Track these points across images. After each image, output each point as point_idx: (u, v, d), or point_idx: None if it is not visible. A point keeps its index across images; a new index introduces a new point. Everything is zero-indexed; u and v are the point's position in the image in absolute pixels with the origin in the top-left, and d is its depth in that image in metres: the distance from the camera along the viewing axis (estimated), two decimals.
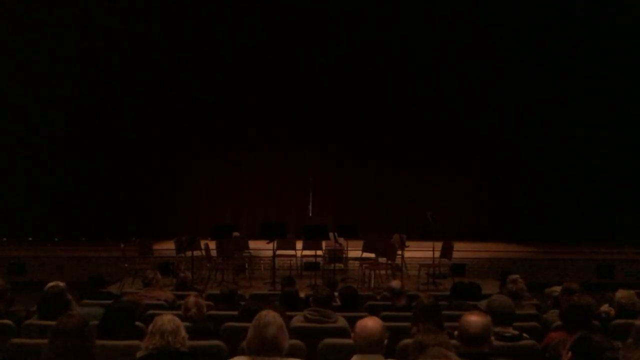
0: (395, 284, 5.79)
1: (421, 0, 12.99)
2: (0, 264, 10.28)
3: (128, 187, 13.01)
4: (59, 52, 12.66)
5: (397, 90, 13.12)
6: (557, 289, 5.52)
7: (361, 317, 3.44)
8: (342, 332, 4.32)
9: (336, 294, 5.68)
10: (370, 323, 3.22)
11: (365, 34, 12.99)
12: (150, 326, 3.30)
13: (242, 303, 5.35)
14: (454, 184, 13.10)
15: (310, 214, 12.34)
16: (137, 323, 4.22)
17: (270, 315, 3.00)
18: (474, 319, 3.14)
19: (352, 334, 3.23)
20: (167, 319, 3.29)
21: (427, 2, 12.96)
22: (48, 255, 10.97)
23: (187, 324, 4.04)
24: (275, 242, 9.46)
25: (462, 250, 10.44)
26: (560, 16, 12.70)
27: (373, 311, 5.04)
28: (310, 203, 12.41)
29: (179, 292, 6.25)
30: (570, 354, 2.87)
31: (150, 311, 4.85)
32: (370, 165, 13.35)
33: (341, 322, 4.50)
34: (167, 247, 10.73)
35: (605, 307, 5.04)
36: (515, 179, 13.02)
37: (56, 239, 12.20)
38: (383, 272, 9.65)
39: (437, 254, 9.67)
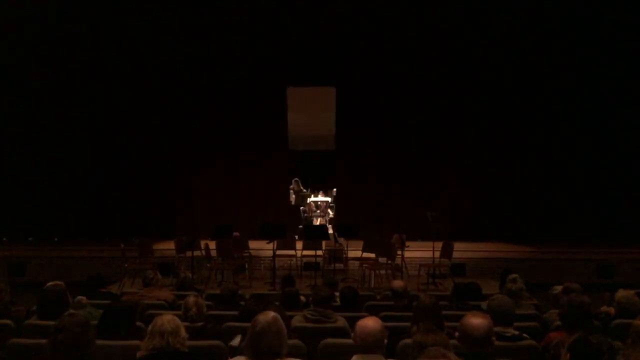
0: (398, 284, 5.64)
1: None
2: (0, 264, 10.30)
3: (128, 187, 13.03)
4: (59, 52, 12.66)
5: (397, 90, 13.12)
6: (559, 288, 5.52)
7: (361, 317, 3.44)
8: (342, 332, 4.32)
9: (336, 294, 5.67)
10: (370, 323, 3.21)
11: (365, 34, 12.99)
12: (150, 326, 3.31)
13: (242, 303, 5.34)
14: (454, 184, 13.09)
15: None
16: (137, 323, 4.22)
17: (266, 321, 2.98)
18: (478, 322, 3.10)
19: (352, 334, 3.22)
20: (167, 319, 3.29)
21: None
22: (48, 255, 10.97)
23: (187, 324, 4.04)
24: (275, 242, 9.46)
25: (462, 250, 10.43)
26: (557, 20, 12.71)
27: (373, 311, 5.03)
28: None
29: (179, 292, 6.25)
30: (568, 355, 2.87)
31: (150, 311, 4.84)
32: (370, 165, 13.34)
33: (341, 322, 4.49)
34: (167, 247, 10.74)
35: (605, 307, 5.04)
36: (515, 178, 13.01)
37: (56, 239, 12.20)
38: (383, 272, 9.66)
39: (437, 254, 9.67)
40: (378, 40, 13.03)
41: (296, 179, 13.72)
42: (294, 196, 14.43)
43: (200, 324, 4.31)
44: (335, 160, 13.85)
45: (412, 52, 13.02)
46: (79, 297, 4.89)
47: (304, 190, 14.06)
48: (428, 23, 12.88)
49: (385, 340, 3.22)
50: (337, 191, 13.82)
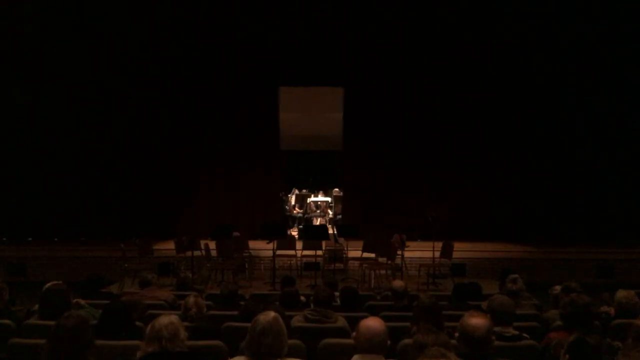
0: (398, 284, 5.63)
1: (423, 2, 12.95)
2: (0, 264, 10.30)
3: (128, 187, 13.03)
4: (58, 52, 12.65)
5: (397, 91, 13.12)
6: (559, 288, 5.52)
7: (361, 317, 3.43)
8: (342, 332, 4.31)
9: (337, 293, 5.66)
10: (374, 324, 3.18)
11: (367, 34, 12.98)
12: (148, 330, 3.25)
13: (242, 303, 5.34)
14: (454, 184, 13.09)
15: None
16: (137, 323, 4.21)
17: (267, 321, 2.98)
18: (478, 322, 3.09)
19: (355, 335, 3.20)
20: (165, 324, 3.21)
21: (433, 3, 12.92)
22: (48, 255, 10.96)
23: (187, 324, 4.03)
24: (275, 242, 9.46)
25: (462, 250, 10.44)
26: (557, 22, 12.70)
27: (373, 311, 5.03)
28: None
29: (179, 292, 6.24)
30: (567, 356, 2.87)
31: (150, 311, 4.84)
32: (370, 166, 13.35)
33: (341, 322, 4.49)
34: (167, 247, 10.74)
35: (605, 307, 5.04)
36: (515, 179, 13.01)
37: (56, 239, 12.19)
38: (383, 272, 9.66)
39: (437, 254, 9.67)
40: (386, 41, 12.99)
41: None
42: (293, 197, 14.48)
43: (200, 323, 4.31)
44: (340, 160, 13.89)
45: (412, 52, 13.02)
46: (77, 300, 4.89)
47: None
48: (430, 24, 12.89)
49: (389, 342, 3.21)
50: (344, 191, 13.84)
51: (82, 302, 4.95)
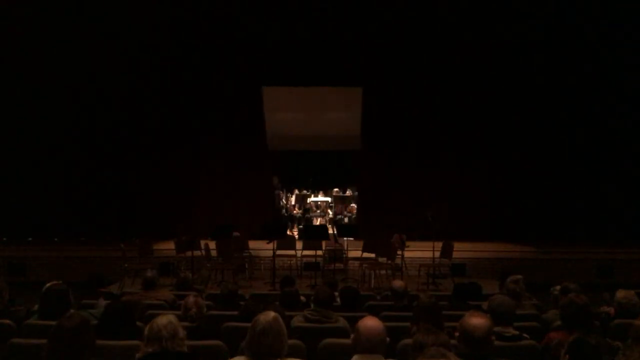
0: (398, 284, 5.63)
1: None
2: (0, 264, 10.30)
3: (128, 187, 13.03)
4: (58, 52, 12.65)
5: (397, 91, 13.12)
6: (559, 288, 5.51)
7: (361, 318, 3.42)
8: (342, 332, 4.31)
9: (337, 293, 5.66)
10: (373, 323, 3.18)
11: (367, 34, 12.97)
12: (146, 331, 3.24)
13: (242, 303, 5.34)
14: (455, 184, 13.10)
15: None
16: (138, 323, 4.21)
17: (267, 321, 2.98)
18: (478, 322, 3.09)
19: (354, 335, 3.20)
20: (163, 324, 3.21)
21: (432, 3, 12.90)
22: (48, 255, 10.97)
23: (187, 323, 4.03)
24: (275, 242, 9.46)
25: (462, 250, 10.44)
26: (562, 22, 12.68)
27: (373, 311, 5.03)
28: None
29: (179, 292, 6.24)
30: (567, 356, 2.87)
31: (150, 311, 4.84)
32: (370, 165, 13.35)
33: (341, 322, 4.49)
34: (167, 247, 10.74)
35: (605, 307, 5.04)
36: (515, 179, 13.02)
37: (56, 239, 12.20)
38: (383, 272, 9.65)
39: (437, 254, 9.67)
40: (386, 41, 12.96)
41: (274, 176, 13.79)
42: (293, 197, 14.45)
43: (200, 323, 4.31)
44: (347, 160, 13.92)
45: (414, 52, 13.02)
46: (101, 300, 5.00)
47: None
48: (429, 24, 12.88)
49: (388, 339, 3.22)
50: (360, 191, 13.87)
51: (102, 302, 5.02)
